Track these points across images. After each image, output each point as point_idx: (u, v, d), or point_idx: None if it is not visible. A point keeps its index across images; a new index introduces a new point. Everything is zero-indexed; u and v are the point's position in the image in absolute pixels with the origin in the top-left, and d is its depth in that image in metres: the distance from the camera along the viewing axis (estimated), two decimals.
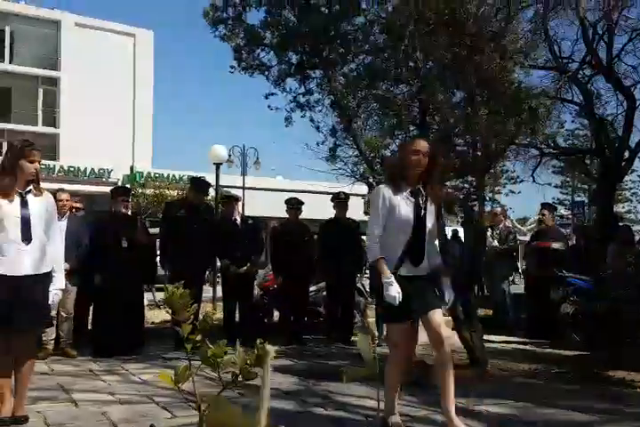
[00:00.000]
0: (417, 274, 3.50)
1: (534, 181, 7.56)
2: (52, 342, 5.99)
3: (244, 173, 16.02)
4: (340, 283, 6.95)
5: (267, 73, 6.13)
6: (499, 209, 8.44)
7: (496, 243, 8.19)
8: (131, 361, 5.80)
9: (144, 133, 32.00)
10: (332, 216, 7.24)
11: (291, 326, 7.01)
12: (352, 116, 5.92)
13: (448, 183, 6.09)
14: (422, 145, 3.49)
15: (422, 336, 3.68)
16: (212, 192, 7.88)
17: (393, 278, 3.37)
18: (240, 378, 2.20)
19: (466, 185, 6.06)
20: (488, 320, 7.64)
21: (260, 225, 7.01)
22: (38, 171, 3.85)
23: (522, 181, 6.52)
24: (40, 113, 31.01)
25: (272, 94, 6.24)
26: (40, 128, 30.70)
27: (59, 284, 3.92)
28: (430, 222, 3.55)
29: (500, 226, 8.35)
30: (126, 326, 6.11)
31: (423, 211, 3.51)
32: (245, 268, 6.48)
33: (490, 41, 5.45)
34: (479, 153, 5.78)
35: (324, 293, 7.29)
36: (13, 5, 30.97)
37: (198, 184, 6.66)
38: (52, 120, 30.91)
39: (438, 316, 3.51)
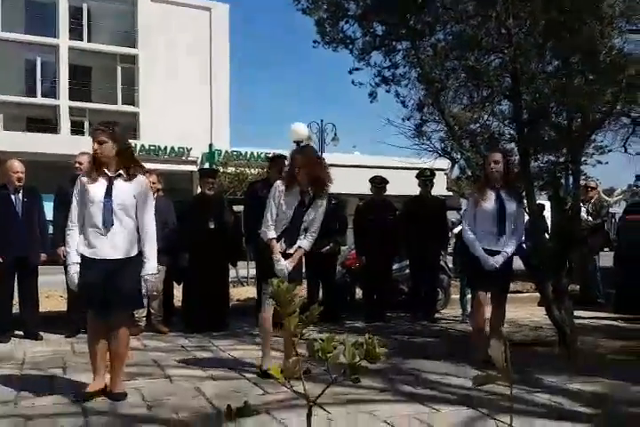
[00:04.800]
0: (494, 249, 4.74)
1: (626, 151, 7.07)
2: (144, 318, 6.19)
3: (321, 150, 15.92)
4: (423, 260, 6.81)
5: (351, 46, 5.92)
6: (592, 182, 8.00)
7: (588, 217, 7.79)
8: (219, 337, 5.92)
9: (222, 111, 32.12)
10: (417, 193, 7.06)
11: (374, 304, 6.96)
12: (439, 89, 5.66)
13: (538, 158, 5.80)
14: (497, 157, 4.80)
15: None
16: None
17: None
18: (349, 373, 2.14)
19: (560, 159, 5.71)
20: (577, 296, 7.42)
21: (343, 203, 6.91)
22: (97, 150, 3.83)
23: (610, 150, 6.06)
24: (119, 91, 31.74)
25: (356, 69, 6.04)
26: (120, 107, 31.44)
27: (149, 269, 3.91)
28: (511, 210, 4.77)
29: (593, 200, 7.94)
30: (214, 304, 6.23)
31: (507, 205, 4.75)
32: (328, 247, 6.43)
33: (587, 4, 5.05)
34: (574, 124, 5.45)
35: (408, 270, 7.18)
36: None
37: (277, 162, 6.60)
38: (131, 98, 31.62)
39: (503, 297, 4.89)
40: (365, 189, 7.14)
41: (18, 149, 18.85)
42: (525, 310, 7.41)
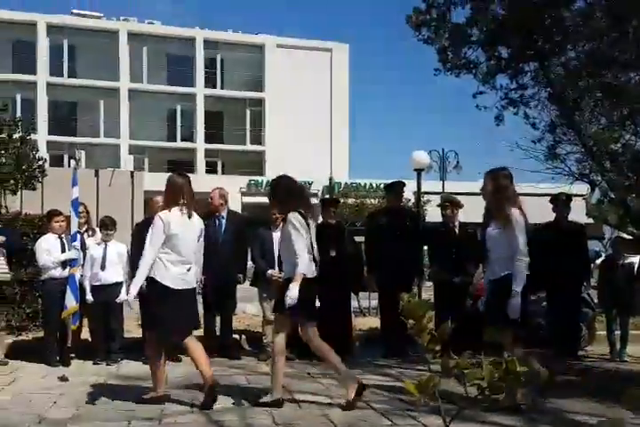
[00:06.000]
0: None
1: None
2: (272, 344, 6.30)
3: (443, 179, 15.63)
4: (562, 292, 6.35)
5: (474, 71, 5.86)
6: None
7: None
8: (345, 365, 5.86)
9: (341, 145, 33.11)
10: (552, 220, 6.67)
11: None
12: (574, 108, 5.40)
13: None
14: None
15: None
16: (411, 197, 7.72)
17: None
18: (487, 392, 2.01)
19: None
20: None
21: (476, 232, 6.70)
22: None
23: None
24: (248, 132, 33.69)
25: (481, 93, 5.95)
26: (248, 146, 33.39)
27: None
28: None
29: None
30: (337, 332, 6.20)
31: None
32: (459, 278, 6.21)
33: None
34: None
35: (544, 303, 6.73)
36: (222, 34, 34.01)
37: (392, 186, 6.59)
38: (258, 138, 33.44)
39: None
40: None
41: (161, 188, 20.32)
42: None
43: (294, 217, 4.30)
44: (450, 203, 6.42)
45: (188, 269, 4.40)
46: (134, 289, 4.31)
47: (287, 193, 4.44)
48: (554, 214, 6.61)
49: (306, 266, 4.25)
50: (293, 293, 4.17)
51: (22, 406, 4.34)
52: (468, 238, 6.33)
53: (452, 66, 6.04)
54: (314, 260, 4.41)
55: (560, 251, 6.22)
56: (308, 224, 4.36)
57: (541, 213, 7.14)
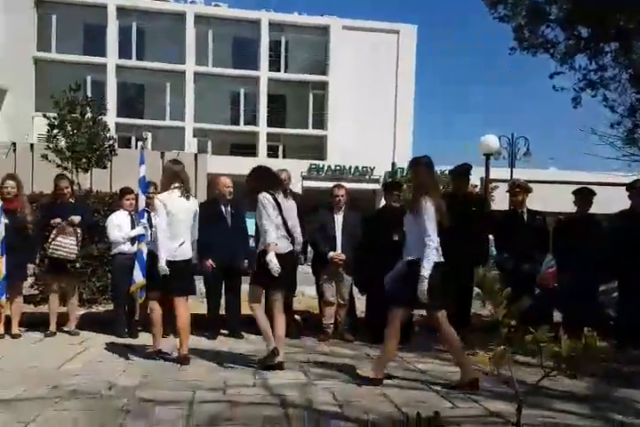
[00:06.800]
0: None
1: None
2: (332, 326, 6.34)
3: (512, 165, 15.04)
4: (636, 283, 6.09)
5: (552, 51, 5.63)
6: None
7: None
8: (403, 350, 5.82)
9: (404, 130, 32.58)
10: (627, 208, 6.39)
11: (570, 324, 6.37)
12: None
13: None
14: None
15: None
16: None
17: None
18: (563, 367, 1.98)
19: None
20: None
21: (546, 219, 6.48)
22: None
23: None
24: (310, 116, 33.65)
25: (558, 73, 5.72)
26: (310, 131, 33.37)
27: None
28: None
29: None
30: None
31: None
32: (527, 266, 6.03)
33: None
34: None
35: (616, 293, 6.48)
36: (287, 16, 33.93)
37: (458, 170, 6.39)
38: (320, 122, 33.35)
39: None
40: (563, 206, 6.65)
41: (224, 171, 20.74)
42: None
43: (263, 196, 4.85)
44: (520, 188, 6.24)
45: (181, 244, 5.07)
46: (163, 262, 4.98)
47: (260, 177, 5.00)
48: (629, 202, 6.34)
49: (273, 239, 4.77)
50: (270, 258, 4.72)
51: (93, 374, 4.55)
52: (536, 226, 6.16)
53: (529, 45, 5.83)
54: (288, 236, 4.95)
55: (635, 240, 5.96)
56: (279, 204, 4.87)
57: (616, 201, 6.87)
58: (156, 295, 5.17)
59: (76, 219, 6.18)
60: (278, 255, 4.76)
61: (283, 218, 4.90)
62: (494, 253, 6.61)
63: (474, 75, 66.26)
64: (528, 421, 3.28)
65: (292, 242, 4.99)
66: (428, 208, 4.38)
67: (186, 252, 5.15)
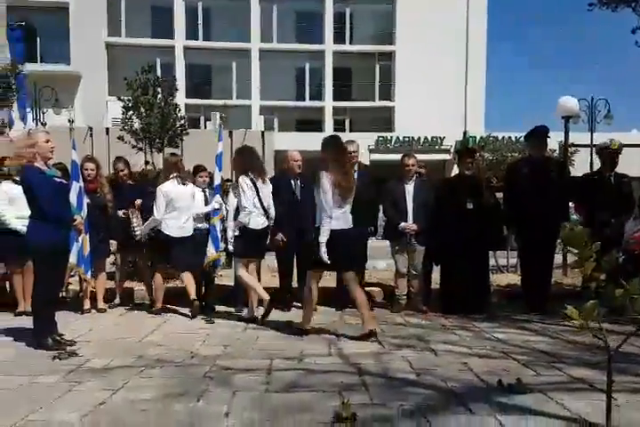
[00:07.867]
0: None
1: None
2: (405, 297, 6.30)
3: (592, 129, 14.32)
4: None
5: (634, 5, 5.23)
6: None
7: None
8: (480, 320, 5.75)
9: (476, 97, 31.46)
10: None
11: None
12: None
13: None
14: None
15: None
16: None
17: None
18: None
19: None
20: None
21: (632, 182, 6.13)
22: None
23: None
24: (377, 88, 33.11)
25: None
26: (377, 103, 32.85)
27: None
28: None
29: None
30: (474, 286, 6.06)
31: None
32: (610, 229, 5.74)
33: None
34: None
35: None
36: None
37: (534, 133, 6.07)
38: (387, 94, 32.77)
39: None
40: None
41: (290, 147, 20.79)
42: None
43: (241, 179, 5.64)
44: (609, 149, 5.91)
45: (185, 222, 6.01)
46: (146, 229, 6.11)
47: (241, 160, 5.76)
48: None
49: (248, 218, 5.58)
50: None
51: (175, 344, 4.72)
52: (623, 189, 5.86)
53: (609, 0, 5.44)
54: (265, 214, 5.71)
55: None
56: (256, 186, 5.63)
57: None
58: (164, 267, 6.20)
59: (138, 202, 6.42)
60: (255, 231, 5.62)
61: (260, 199, 5.65)
62: (575, 219, 6.34)
63: (549, 36, 62.84)
64: (617, 387, 3.15)
65: (267, 217, 5.74)
66: (324, 184, 4.88)
67: (189, 228, 6.07)
